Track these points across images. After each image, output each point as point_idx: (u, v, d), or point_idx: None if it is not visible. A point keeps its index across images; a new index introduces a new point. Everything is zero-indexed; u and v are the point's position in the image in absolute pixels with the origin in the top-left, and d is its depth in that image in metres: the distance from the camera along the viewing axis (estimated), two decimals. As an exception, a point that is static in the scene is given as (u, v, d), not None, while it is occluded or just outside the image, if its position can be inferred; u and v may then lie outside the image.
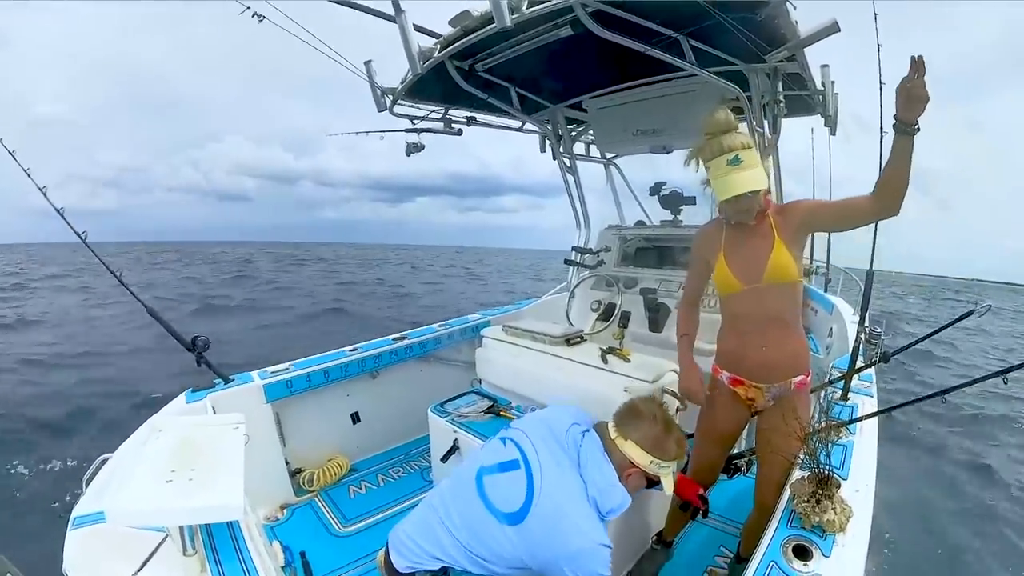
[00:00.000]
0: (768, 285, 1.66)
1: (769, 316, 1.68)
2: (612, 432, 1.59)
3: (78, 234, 2.27)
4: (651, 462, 1.52)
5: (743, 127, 1.64)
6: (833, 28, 1.96)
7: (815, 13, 2.00)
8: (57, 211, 2.23)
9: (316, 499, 2.83)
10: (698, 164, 1.66)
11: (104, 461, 1.76)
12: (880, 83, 1.37)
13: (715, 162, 1.59)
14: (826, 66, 2.74)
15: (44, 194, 2.18)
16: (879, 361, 1.98)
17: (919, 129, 1.31)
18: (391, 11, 2.19)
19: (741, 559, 2.05)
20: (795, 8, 1.90)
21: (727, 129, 1.58)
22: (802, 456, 1.44)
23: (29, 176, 2.17)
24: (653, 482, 1.58)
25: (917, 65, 1.24)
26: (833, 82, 2.83)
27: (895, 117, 1.33)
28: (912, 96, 1.27)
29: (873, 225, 1.70)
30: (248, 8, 2.32)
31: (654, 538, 2.24)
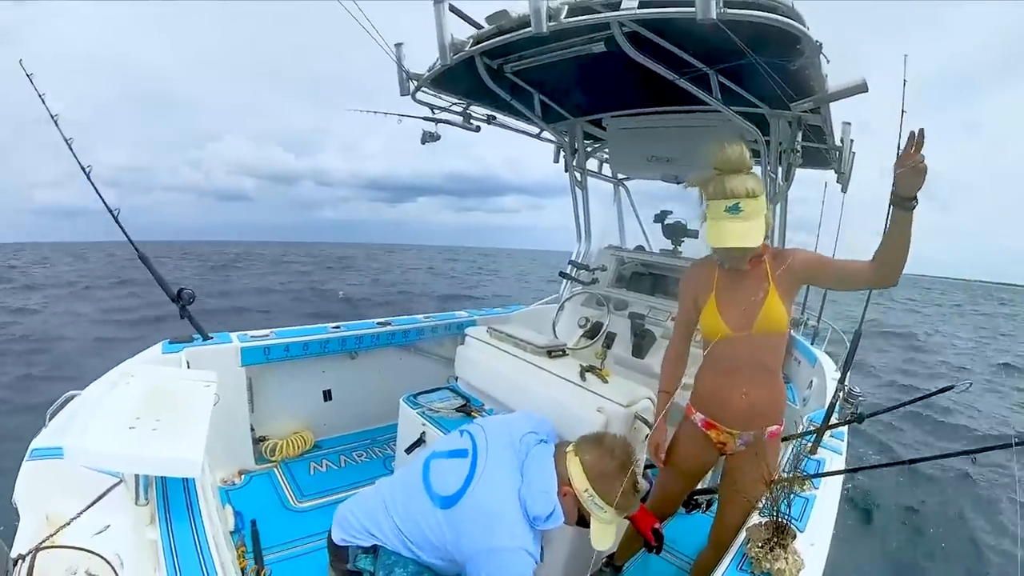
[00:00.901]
0: (757, 334, 1.61)
1: (754, 364, 1.64)
2: (569, 446, 1.58)
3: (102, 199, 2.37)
4: (586, 490, 1.47)
5: (756, 170, 1.61)
6: (861, 88, 1.98)
7: (827, 10, 2.01)
8: (91, 184, 2.38)
9: (275, 470, 2.81)
10: (701, 196, 1.57)
11: (71, 398, 1.74)
12: (897, 148, 1.37)
13: (715, 204, 1.49)
14: (848, 123, 2.77)
15: (92, 183, 2.36)
16: (853, 421, 2.00)
17: (917, 203, 1.28)
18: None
19: None
20: (828, 62, 1.92)
21: (738, 168, 1.48)
22: (763, 501, 1.44)
23: (79, 162, 2.34)
24: (585, 522, 1.52)
25: (917, 141, 1.21)
26: (852, 140, 2.86)
27: (894, 193, 1.29)
28: (917, 171, 1.23)
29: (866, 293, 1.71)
30: None
31: (604, 560, 2.24)
